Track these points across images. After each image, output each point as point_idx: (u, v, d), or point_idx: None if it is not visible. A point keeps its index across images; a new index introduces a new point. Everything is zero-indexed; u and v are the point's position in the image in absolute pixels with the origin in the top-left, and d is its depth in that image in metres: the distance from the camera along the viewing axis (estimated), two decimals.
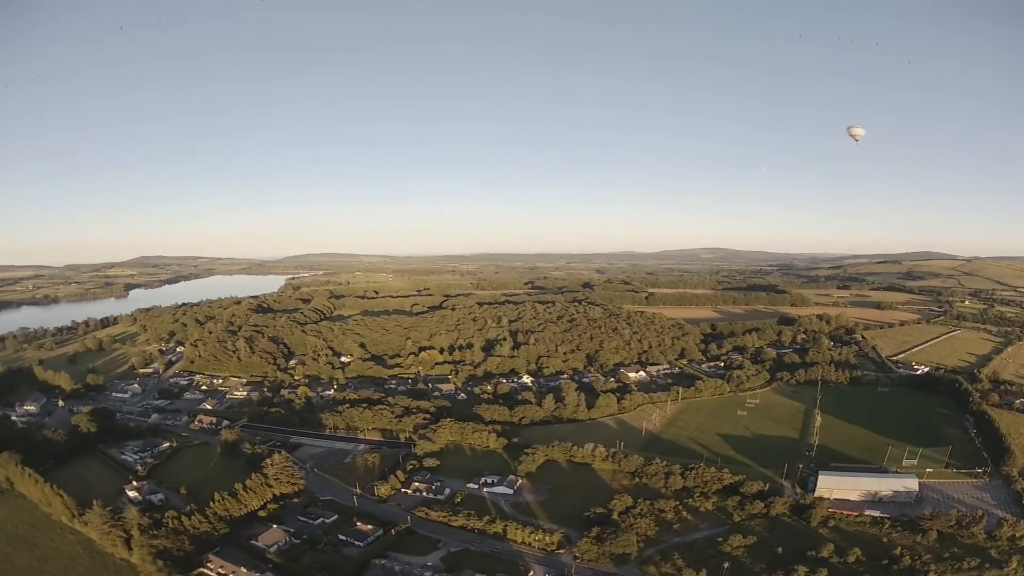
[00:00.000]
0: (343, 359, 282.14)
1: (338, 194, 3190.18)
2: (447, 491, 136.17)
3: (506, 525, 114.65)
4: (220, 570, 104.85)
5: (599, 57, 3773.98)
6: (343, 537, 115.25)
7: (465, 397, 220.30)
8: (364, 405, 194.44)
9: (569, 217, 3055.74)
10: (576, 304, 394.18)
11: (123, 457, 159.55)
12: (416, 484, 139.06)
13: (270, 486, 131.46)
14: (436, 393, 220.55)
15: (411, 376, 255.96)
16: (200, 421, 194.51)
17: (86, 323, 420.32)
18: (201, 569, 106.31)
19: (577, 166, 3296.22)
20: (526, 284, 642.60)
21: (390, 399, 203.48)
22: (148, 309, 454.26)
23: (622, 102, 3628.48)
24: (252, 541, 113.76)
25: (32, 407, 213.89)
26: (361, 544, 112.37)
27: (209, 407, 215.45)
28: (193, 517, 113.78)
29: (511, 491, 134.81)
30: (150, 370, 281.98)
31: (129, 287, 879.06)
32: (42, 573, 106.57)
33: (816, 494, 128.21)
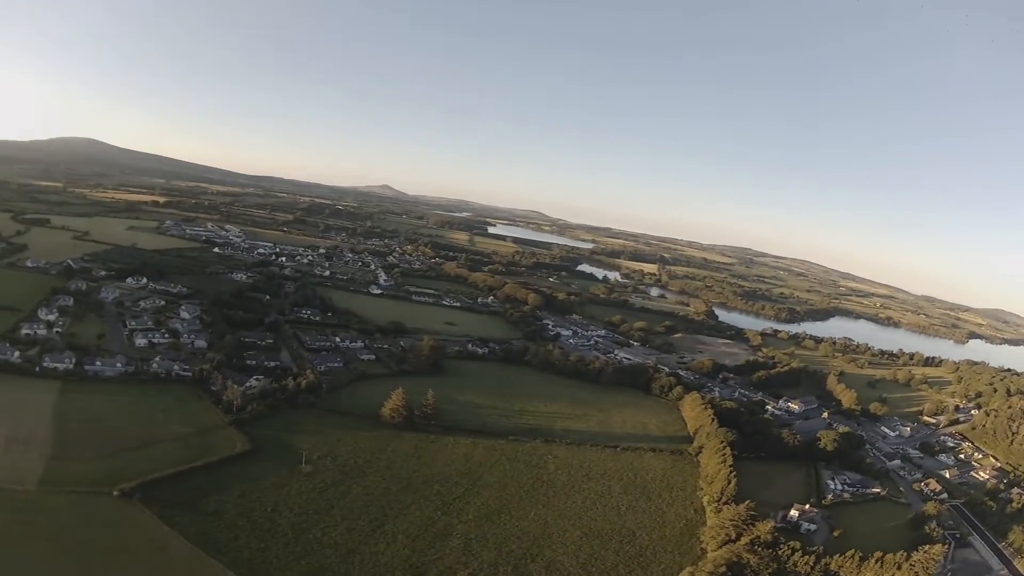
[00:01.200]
0: None
1: None
2: None
3: None
4: None
5: None
6: None
7: None
8: None
9: None
10: None
11: (828, 482, 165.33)
12: None
13: (899, 568, 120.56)
14: None
15: None
16: (927, 484, 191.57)
17: (910, 355, 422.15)
18: None
19: None
20: None
21: None
22: (976, 363, 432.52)
23: None
24: None
25: (795, 406, 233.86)
26: None
27: (948, 475, 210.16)
28: (797, 554, 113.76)
29: None
30: (932, 420, 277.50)
31: (972, 336, 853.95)
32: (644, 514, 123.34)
33: None
